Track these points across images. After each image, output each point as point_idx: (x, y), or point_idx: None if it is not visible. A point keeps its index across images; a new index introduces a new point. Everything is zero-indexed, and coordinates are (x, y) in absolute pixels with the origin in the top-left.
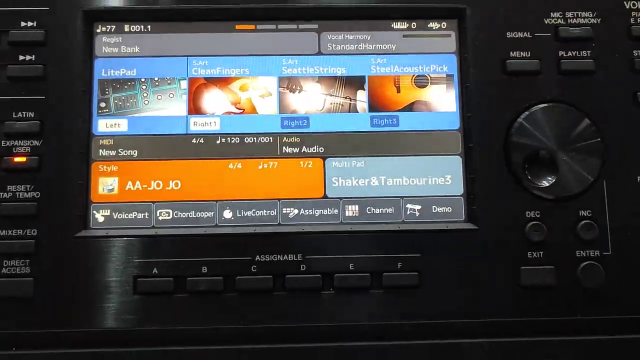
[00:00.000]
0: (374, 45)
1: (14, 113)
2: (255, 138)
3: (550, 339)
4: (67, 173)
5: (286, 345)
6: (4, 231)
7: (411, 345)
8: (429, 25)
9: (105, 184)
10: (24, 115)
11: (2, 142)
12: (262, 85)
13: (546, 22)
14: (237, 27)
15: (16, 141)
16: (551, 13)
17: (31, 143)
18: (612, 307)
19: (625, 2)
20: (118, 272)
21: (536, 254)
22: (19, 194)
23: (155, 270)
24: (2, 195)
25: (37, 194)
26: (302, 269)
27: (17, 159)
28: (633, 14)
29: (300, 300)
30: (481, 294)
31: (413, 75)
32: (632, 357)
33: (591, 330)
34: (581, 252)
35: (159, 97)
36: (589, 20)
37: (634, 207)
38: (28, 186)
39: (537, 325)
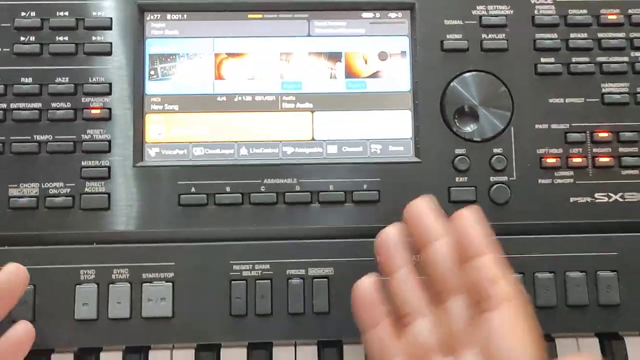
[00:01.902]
0: (348, 30)
1: (89, 78)
2: (262, 97)
3: None
4: (128, 122)
5: (285, 241)
6: (86, 162)
7: (371, 242)
8: (389, 15)
9: (155, 130)
10: (97, 80)
11: (82, 99)
12: (267, 59)
13: (473, 13)
14: (249, 16)
15: (92, 98)
16: (477, 6)
17: (103, 100)
18: (516, 216)
19: None
20: (166, 191)
21: (461, 179)
22: (96, 136)
23: (192, 189)
24: (84, 137)
25: (108, 136)
26: (296, 189)
27: (93, 111)
28: (536, 7)
29: (296, 211)
30: None
31: (377, 52)
32: (540, 250)
33: (505, 232)
34: (493, 177)
35: (193, 67)
36: (504, 12)
37: (532, 146)
38: (102, 130)
39: None
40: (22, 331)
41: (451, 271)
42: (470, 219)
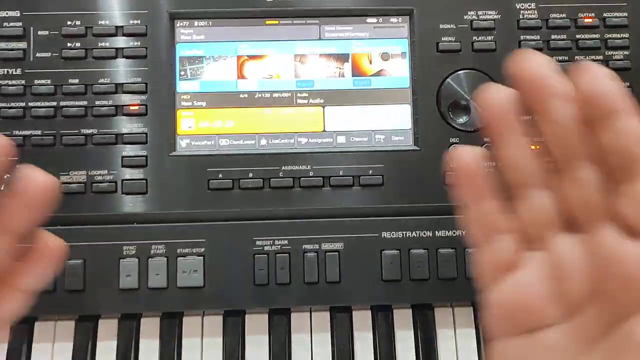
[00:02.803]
0: (354, 34)
1: (128, 78)
2: (279, 94)
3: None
4: (162, 116)
5: (301, 220)
6: (126, 152)
7: (376, 221)
8: (390, 20)
9: (186, 123)
10: (135, 80)
11: (122, 97)
12: (283, 60)
13: (465, 18)
14: (267, 22)
15: (131, 96)
16: (468, 12)
17: (140, 97)
18: None
19: (516, 4)
20: (197, 177)
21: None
22: (134, 129)
23: (220, 175)
24: (124, 130)
25: (145, 129)
26: (310, 174)
27: (132, 108)
28: (521, 11)
29: (310, 194)
30: (421, 189)
31: (380, 52)
32: None
33: None
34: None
35: (218, 68)
36: (492, 17)
37: None
38: (139, 124)
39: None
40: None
41: (579, 133)
42: (601, 73)
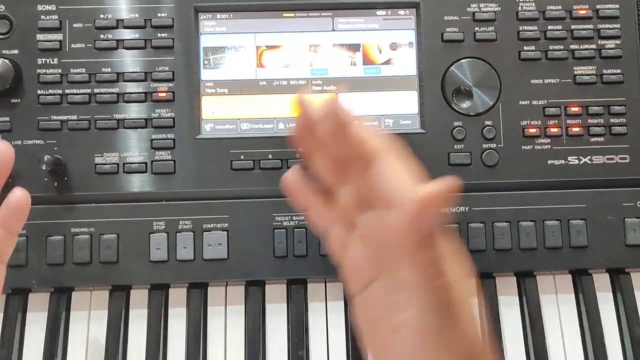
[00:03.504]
0: (365, 25)
1: (156, 67)
2: (295, 81)
3: (469, 193)
4: (188, 102)
5: None
6: (155, 135)
7: None
8: (398, 12)
9: (209, 109)
10: (162, 69)
11: (151, 84)
12: (299, 50)
13: (467, 10)
14: (284, 15)
15: (159, 84)
16: (471, 4)
17: (167, 85)
18: (504, 176)
19: None
20: (220, 158)
21: (459, 146)
22: (162, 114)
23: (241, 157)
24: (153, 115)
25: (172, 114)
26: None
27: (160, 94)
28: (520, 4)
29: None
30: (427, 169)
31: (389, 43)
32: (523, 203)
33: (494, 189)
34: (485, 144)
35: (239, 57)
36: (493, 9)
37: (516, 119)
38: (167, 109)
39: (460, 188)
40: (15, 192)
41: (335, 150)
42: (331, 104)
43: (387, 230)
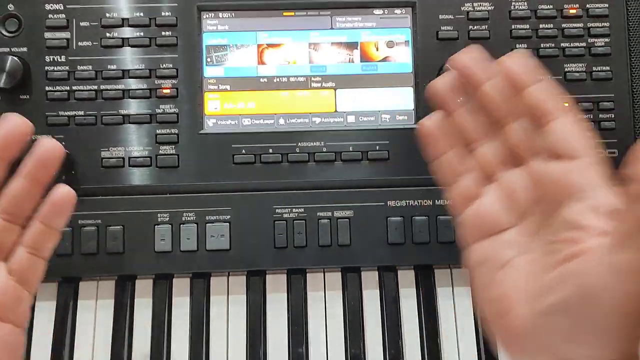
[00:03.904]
0: (363, 24)
1: (161, 64)
2: (295, 78)
3: None
4: (191, 99)
5: (316, 191)
6: (160, 130)
7: (382, 191)
8: (395, 12)
9: (212, 105)
10: (167, 66)
11: (155, 81)
12: (299, 48)
13: (462, 9)
14: (284, 13)
15: (163, 80)
16: (465, 4)
17: (171, 82)
18: None
19: None
20: (222, 153)
21: None
22: (167, 110)
23: (243, 151)
24: (158, 111)
25: (177, 110)
26: (323, 150)
27: (164, 91)
28: (512, 3)
29: (323, 167)
30: (422, 163)
31: (386, 41)
32: None
33: None
34: None
35: (240, 54)
36: (486, 8)
37: None
38: (171, 105)
39: None
40: (60, 189)
41: (508, 100)
42: (517, 58)
43: (558, 180)
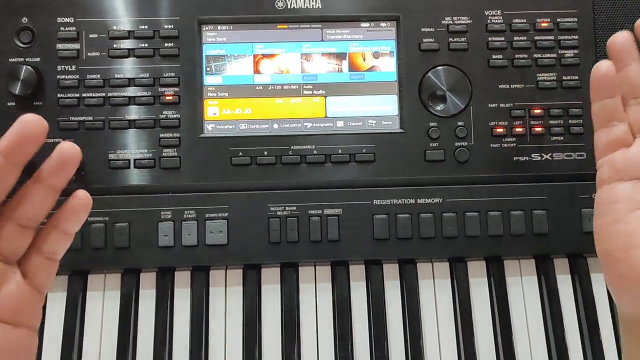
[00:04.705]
0: (351, 36)
1: (164, 73)
2: (289, 86)
3: (443, 186)
4: (192, 105)
5: (307, 190)
6: (163, 134)
7: (369, 190)
8: (380, 24)
9: (211, 111)
10: (169, 75)
11: (159, 89)
12: (292, 58)
13: (442, 23)
14: (278, 26)
15: (166, 88)
16: (445, 17)
17: (174, 89)
18: (474, 171)
19: (485, 12)
20: (220, 155)
21: (434, 144)
22: (169, 115)
23: (240, 154)
24: (161, 116)
25: (178, 116)
26: (314, 153)
27: (167, 98)
28: (489, 17)
29: (314, 168)
30: (406, 164)
31: (372, 51)
32: (491, 195)
33: (465, 182)
34: (457, 143)
35: (238, 64)
36: (465, 22)
37: (485, 120)
38: (173, 111)
39: (433, 182)
40: (79, 195)
41: None
42: None
43: None
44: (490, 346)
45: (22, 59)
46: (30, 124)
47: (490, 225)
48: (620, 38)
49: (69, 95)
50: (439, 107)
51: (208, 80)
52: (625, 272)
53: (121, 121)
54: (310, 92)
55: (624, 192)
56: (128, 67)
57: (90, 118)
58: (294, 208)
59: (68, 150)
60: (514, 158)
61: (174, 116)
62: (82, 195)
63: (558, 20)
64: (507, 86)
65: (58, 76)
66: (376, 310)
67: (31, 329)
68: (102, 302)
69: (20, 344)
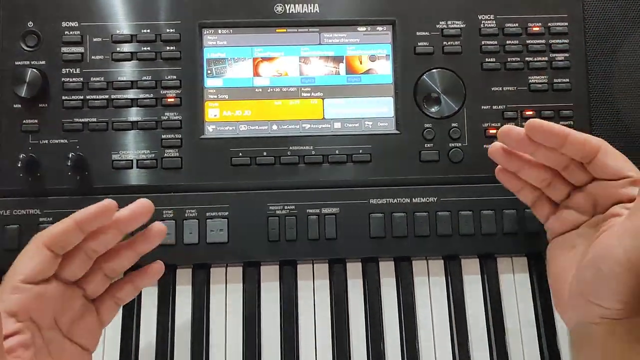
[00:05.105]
0: (348, 39)
1: (166, 76)
2: (287, 88)
3: (438, 186)
4: (193, 107)
5: (305, 190)
6: (165, 135)
7: (365, 190)
8: (377, 29)
9: (212, 112)
10: (171, 78)
11: (161, 91)
12: (290, 61)
13: (437, 27)
14: (277, 30)
15: (168, 91)
16: (439, 22)
17: (175, 92)
18: (467, 171)
19: (478, 16)
20: (221, 156)
21: (428, 145)
22: (171, 117)
23: (240, 154)
24: (163, 118)
25: (180, 117)
26: (312, 153)
27: (169, 100)
28: (482, 22)
29: (312, 169)
30: (401, 165)
31: (369, 55)
32: (484, 194)
33: (459, 182)
34: (451, 143)
35: (237, 67)
36: (459, 26)
37: (479, 121)
38: (175, 113)
39: (428, 181)
40: (156, 266)
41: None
42: (538, 122)
43: (612, 191)
44: (484, 340)
45: (28, 62)
46: (146, 207)
47: (483, 223)
48: (493, 150)
49: (73, 97)
50: (434, 109)
51: (209, 82)
52: (563, 298)
53: (124, 122)
54: (309, 95)
55: (562, 241)
56: (131, 70)
57: (94, 119)
58: (293, 207)
59: (159, 230)
60: None
61: (176, 118)
62: (157, 266)
63: (549, 24)
64: (500, 88)
65: (63, 79)
66: (372, 306)
67: (91, 352)
68: None
69: None
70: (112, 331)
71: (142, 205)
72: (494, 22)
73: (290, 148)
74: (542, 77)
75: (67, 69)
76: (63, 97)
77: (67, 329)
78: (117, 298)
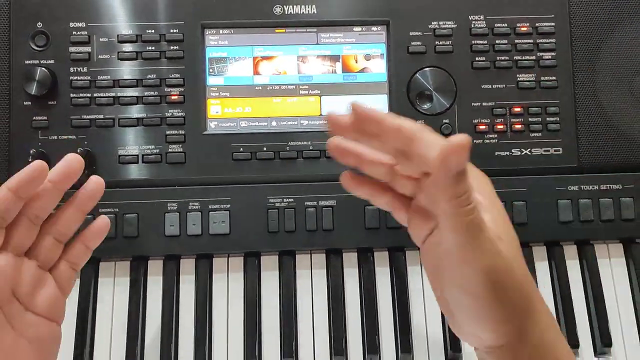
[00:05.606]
0: (344, 39)
1: (170, 75)
2: (286, 86)
3: None
4: (196, 104)
5: (303, 183)
6: (169, 131)
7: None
8: (372, 29)
9: (214, 109)
10: (175, 76)
11: (165, 89)
12: (289, 60)
13: (429, 27)
14: (276, 30)
15: (172, 88)
16: (432, 22)
17: (179, 89)
18: None
19: (469, 16)
20: (223, 151)
21: None
22: (175, 114)
23: (241, 149)
24: (167, 114)
25: (183, 114)
26: (310, 148)
27: (173, 97)
28: (472, 22)
29: (310, 163)
30: None
31: (364, 54)
32: None
33: None
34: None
35: (238, 66)
36: (450, 26)
37: (469, 118)
38: (179, 110)
39: None
40: (101, 219)
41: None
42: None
43: (435, 183)
44: None
45: (37, 61)
46: (75, 162)
47: None
48: (331, 146)
49: (81, 95)
50: (426, 106)
51: (211, 80)
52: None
53: (130, 119)
54: (306, 92)
55: (432, 242)
56: (136, 69)
57: (101, 116)
58: (292, 200)
59: (95, 183)
60: (496, 153)
61: (179, 114)
62: (102, 220)
63: (537, 24)
64: (490, 86)
65: (71, 77)
66: (368, 294)
67: (59, 323)
68: (113, 288)
69: (53, 334)
70: (119, 319)
71: (71, 160)
72: (484, 22)
73: (289, 143)
74: (530, 75)
75: (75, 68)
76: (71, 95)
77: (27, 301)
78: (72, 263)
